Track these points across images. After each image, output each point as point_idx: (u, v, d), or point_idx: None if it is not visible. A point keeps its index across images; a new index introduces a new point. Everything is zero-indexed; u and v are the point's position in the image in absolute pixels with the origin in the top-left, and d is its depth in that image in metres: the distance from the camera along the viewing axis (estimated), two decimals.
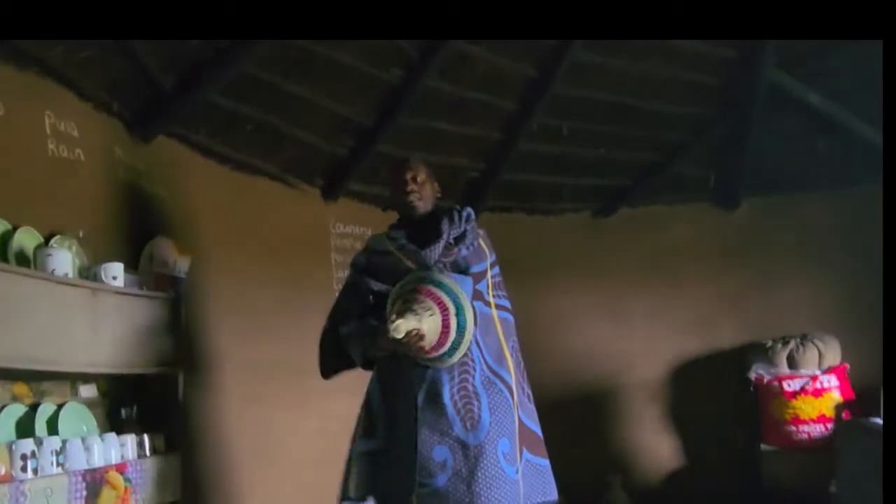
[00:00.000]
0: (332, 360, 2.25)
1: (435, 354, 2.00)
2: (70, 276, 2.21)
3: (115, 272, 2.38)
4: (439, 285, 2.02)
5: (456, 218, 2.23)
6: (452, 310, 1.99)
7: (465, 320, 2.00)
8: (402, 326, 1.90)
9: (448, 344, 1.99)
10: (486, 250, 2.29)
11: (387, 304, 2.05)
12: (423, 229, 2.22)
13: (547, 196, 4.49)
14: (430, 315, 1.95)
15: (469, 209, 2.29)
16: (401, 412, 2.07)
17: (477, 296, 2.13)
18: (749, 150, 4.10)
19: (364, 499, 2.04)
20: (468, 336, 2.01)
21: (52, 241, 2.30)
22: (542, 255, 4.40)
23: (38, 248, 2.21)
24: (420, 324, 1.92)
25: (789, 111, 3.87)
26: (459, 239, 2.21)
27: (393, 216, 2.41)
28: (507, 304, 2.28)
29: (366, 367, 2.20)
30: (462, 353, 2.02)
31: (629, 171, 4.38)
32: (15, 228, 2.18)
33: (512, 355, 2.20)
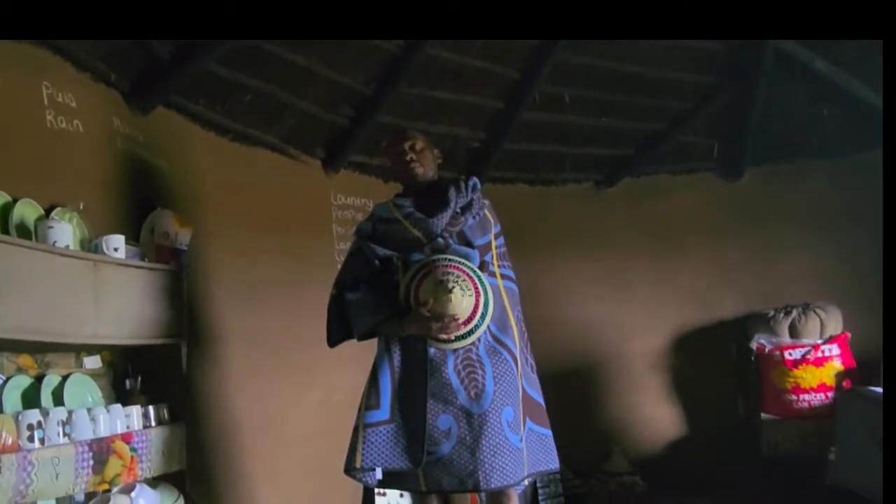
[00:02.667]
0: (339, 329, 2.26)
1: (456, 334, 2.03)
2: (71, 248, 2.21)
3: (116, 244, 2.38)
4: (471, 268, 2.09)
5: (462, 187, 2.23)
6: (482, 294, 2.06)
7: (489, 303, 2.06)
8: (463, 304, 2.00)
9: (470, 325, 2.04)
10: (492, 220, 2.30)
11: (408, 275, 2.09)
12: (428, 199, 2.22)
13: (549, 166, 4.47)
14: (470, 295, 2.02)
15: (475, 179, 2.30)
16: (410, 384, 2.08)
17: (483, 267, 2.14)
18: (753, 118, 4.07)
19: (371, 469, 2.07)
20: (487, 320, 2.07)
21: (53, 213, 2.29)
22: (545, 226, 4.39)
23: (38, 220, 2.20)
24: (463, 300, 2.01)
25: (794, 78, 3.83)
26: (466, 208, 2.21)
27: (395, 188, 2.40)
28: (511, 273, 2.29)
29: (363, 338, 2.21)
30: (477, 336, 2.05)
31: (632, 140, 4.35)
32: (15, 200, 2.17)
33: (516, 325, 2.20)
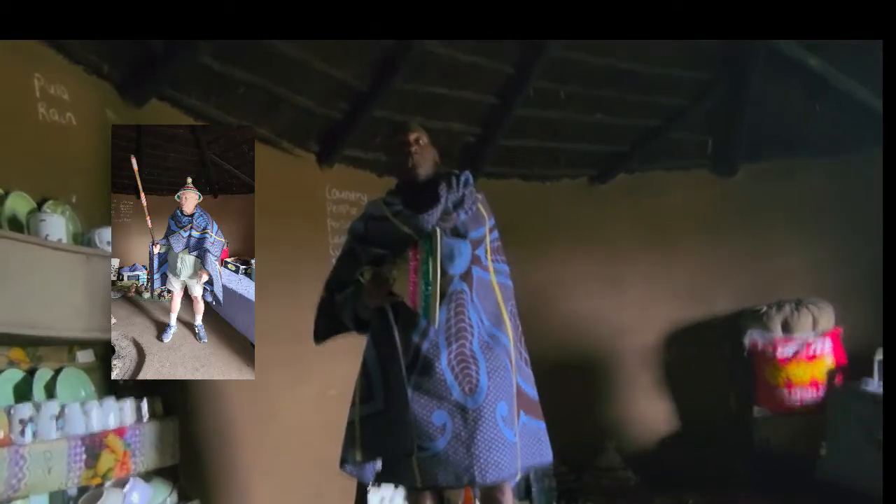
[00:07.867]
0: (326, 327, 2.26)
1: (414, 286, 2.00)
2: (64, 241, 2.20)
3: (108, 237, 2.36)
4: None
5: (454, 183, 2.21)
6: (422, 245, 2.02)
7: (432, 244, 2.00)
8: (368, 272, 2.04)
9: (420, 268, 2.00)
10: (485, 214, 2.27)
11: None
12: (420, 195, 2.20)
13: (544, 162, 4.47)
14: (403, 261, 2.02)
15: (467, 173, 2.27)
16: (394, 375, 2.08)
17: (475, 261, 2.13)
18: (747, 115, 4.08)
19: (370, 462, 2.06)
20: (436, 258, 1.99)
21: (45, 206, 2.28)
22: (539, 221, 4.39)
23: (30, 213, 2.19)
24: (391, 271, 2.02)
25: (788, 75, 3.84)
26: (458, 204, 2.18)
27: (390, 182, 2.38)
28: (505, 268, 2.28)
29: (360, 330, 2.20)
30: (444, 272, 2.00)
31: (626, 136, 4.35)
32: (7, 194, 2.15)
33: (510, 319, 2.20)
